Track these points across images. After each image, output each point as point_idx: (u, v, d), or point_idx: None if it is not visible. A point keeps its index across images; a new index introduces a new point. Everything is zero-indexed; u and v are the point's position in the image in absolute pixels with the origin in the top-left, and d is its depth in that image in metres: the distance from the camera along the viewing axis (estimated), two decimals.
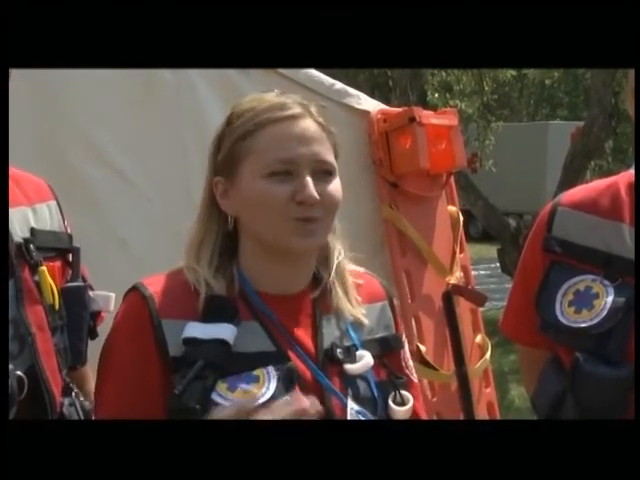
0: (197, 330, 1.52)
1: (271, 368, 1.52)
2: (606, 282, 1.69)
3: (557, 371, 1.75)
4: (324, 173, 1.57)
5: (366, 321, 1.65)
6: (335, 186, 1.58)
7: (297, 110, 1.58)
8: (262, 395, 1.49)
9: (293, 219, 1.54)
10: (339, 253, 1.66)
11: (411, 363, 1.73)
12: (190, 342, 1.52)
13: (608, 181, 1.82)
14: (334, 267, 1.64)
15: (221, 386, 1.49)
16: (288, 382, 1.52)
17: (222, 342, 1.51)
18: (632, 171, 1.80)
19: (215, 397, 1.48)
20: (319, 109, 1.61)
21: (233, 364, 1.51)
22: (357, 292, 1.66)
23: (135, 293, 1.58)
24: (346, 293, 1.64)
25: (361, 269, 1.71)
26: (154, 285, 1.58)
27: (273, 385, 1.50)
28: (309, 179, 1.54)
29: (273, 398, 1.48)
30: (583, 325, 1.68)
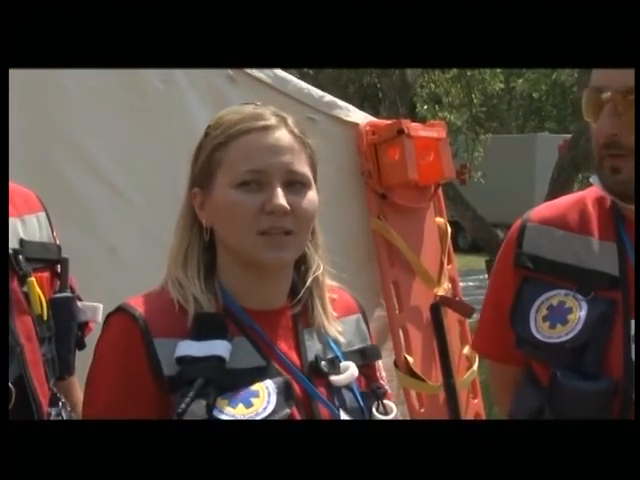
0: (192, 348, 1.51)
1: (269, 382, 1.52)
2: (579, 296, 1.70)
3: (533, 386, 1.75)
4: (298, 184, 1.55)
5: (342, 339, 1.65)
6: (309, 198, 1.56)
7: (271, 121, 1.56)
8: (264, 409, 1.49)
9: (263, 231, 1.52)
10: (317, 267, 1.64)
11: (384, 374, 1.73)
12: (185, 361, 1.50)
13: (575, 196, 1.83)
14: (309, 281, 1.63)
15: (221, 402, 1.48)
16: (287, 395, 1.52)
17: (218, 358, 1.50)
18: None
19: (217, 414, 1.47)
20: (297, 121, 1.59)
21: (229, 380, 1.50)
22: (332, 306, 1.66)
23: (122, 314, 1.55)
24: (324, 309, 1.64)
25: (334, 283, 1.70)
26: (141, 305, 1.55)
27: (273, 399, 1.50)
28: (279, 189, 1.52)
29: (274, 412, 1.49)
30: (558, 340, 1.68)
